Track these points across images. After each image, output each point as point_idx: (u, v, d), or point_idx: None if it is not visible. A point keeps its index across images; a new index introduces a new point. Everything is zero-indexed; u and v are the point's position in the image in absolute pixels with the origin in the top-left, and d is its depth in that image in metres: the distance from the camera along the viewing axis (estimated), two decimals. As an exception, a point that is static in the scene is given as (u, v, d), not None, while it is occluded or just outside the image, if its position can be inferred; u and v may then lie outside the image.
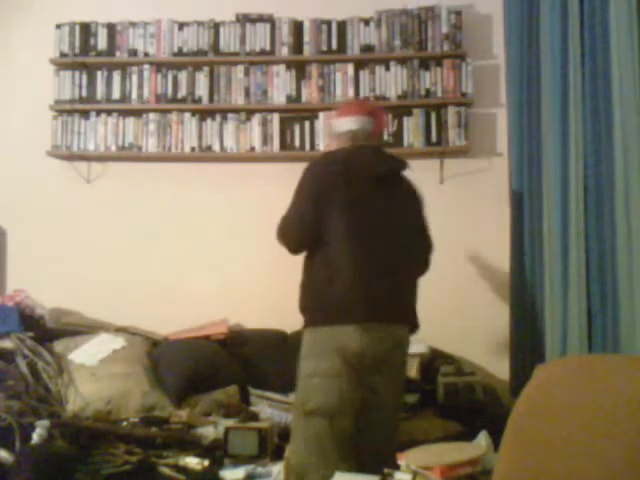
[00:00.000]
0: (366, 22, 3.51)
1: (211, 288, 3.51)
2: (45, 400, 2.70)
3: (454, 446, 1.95)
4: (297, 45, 3.54)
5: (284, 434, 2.47)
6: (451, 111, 3.43)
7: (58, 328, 3.28)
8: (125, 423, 2.64)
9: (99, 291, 3.56)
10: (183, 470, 2.28)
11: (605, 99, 2.60)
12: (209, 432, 2.54)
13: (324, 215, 2.24)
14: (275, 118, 3.52)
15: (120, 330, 3.31)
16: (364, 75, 3.51)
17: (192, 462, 2.31)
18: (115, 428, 2.51)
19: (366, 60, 3.51)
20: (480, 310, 3.38)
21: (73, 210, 3.70)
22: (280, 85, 3.54)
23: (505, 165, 3.30)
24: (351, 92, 3.49)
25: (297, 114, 3.52)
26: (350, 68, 3.50)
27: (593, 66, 2.66)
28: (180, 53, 3.60)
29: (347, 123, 2.43)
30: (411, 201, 2.44)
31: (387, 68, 3.49)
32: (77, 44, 3.61)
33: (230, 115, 3.54)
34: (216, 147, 3.54)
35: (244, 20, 3.57)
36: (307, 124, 3.51)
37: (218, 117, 3.54)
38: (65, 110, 3.60)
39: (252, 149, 3.53)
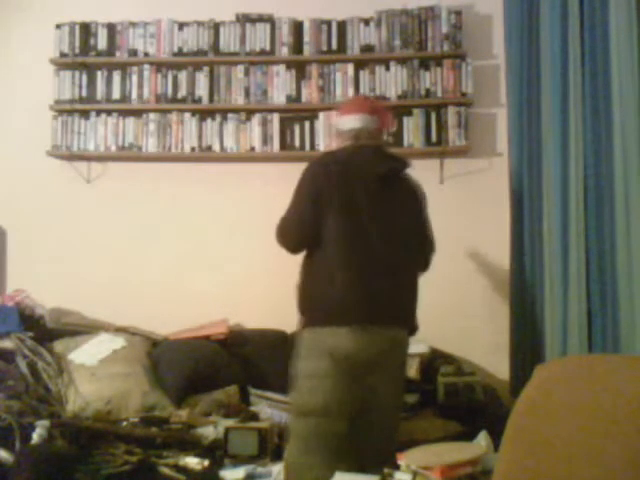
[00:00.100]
0: (366, 22, 3.51)
1: (211, 288, 3.51)
2: (45, 400, 2.70)
3: (454, 446, 1.95)
4: (297, 45, 3.54)
5: (284, 434, 2.47)
6: (451, 111, 3.43)
7: (58, 328, 3.28)
8: (125, 423, 2.64)
9: (99, 291, 3.56)
10: (183, 470, 2.27)
11: (605, 99, 2.60)
12: (209, 432, 2.54)
13: (323, 215, 2.23)
14: (275, 118, 3.52)
15: (120, 330, 3.31)
16: (364, 75, 3.51)
17: (192, 462, 2.31)
18: (115, 428, 2.51)
19: (366, 60, 3.51)
20: (480, 310, 3.38)
21: (73, 210, 3.70)
22: (280, 85, 3.54)
23: (505, 165, 3.30)
24: (351, 92, 3.49)
25: (297, 114, 3.52)
26: (350, 68, 3.51)
27: (593, 66, 2.66)
28: (180, 53, 3.60)
29: (350, 121, 2.42)
30: (412, 201, 2.42)
31: (387, 68, 3.49)
32: (77, 44, 3.61)
33: (230, 115, 3.54)
34: (216, 147, 3.54)
35: (244, 20, 3.57)
36: (307, 124, 3.51)
37: (218, 117, 3.54)
38: (65, 110, 3.60)
39: (252, 149, 3.53)
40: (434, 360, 3.12)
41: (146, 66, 3.59)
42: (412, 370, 2.93)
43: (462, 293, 3.40)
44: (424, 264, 2.46)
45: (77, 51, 3.61)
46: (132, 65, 3.60)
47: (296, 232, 2.32)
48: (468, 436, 2.14)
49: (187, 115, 3.55)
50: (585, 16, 2.70)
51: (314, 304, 2.26)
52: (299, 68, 3.53)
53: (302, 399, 2.22)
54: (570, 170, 2.76)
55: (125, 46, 3.61)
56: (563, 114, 2.79)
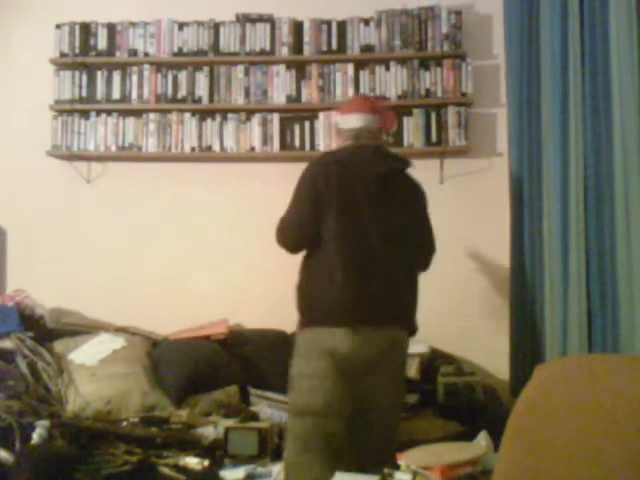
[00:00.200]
0: (366, 22, 3.51)
1: (211, 288, 3.51)
2: (45, 400, 2.70)
3: (454, 446, 1.95)
4: (297, 45, 3.54)
5: (284, 434, 2.47)
6: (451, 111, 3.43)
7: (58, 328, 3.28)
8: (125, 423, 2.64)
9: (99, 291, 3.56)
10: (183, 470, 2.27)
11: (605, 99, 2.60)
12: (209, 432, 2.54)
13: (323, 215, 2.23)
14: (275, 118, 3.52)
15: (120, 330, 3.31)
16: (364, 75, 3.51)
17: (192, 462, 2.31)
18: (115, 428, 2.51)
19: (366, 60, 3.51)
20: (480, 310, 3.38)
21: (73, 210, 3.70)
22: (280, 85, 3.54)
23: (505, 165, 3.30)
24: (351, 92, 3.49)
25: (297, 114, 3.52)
26: (350, 68, 3.51)
27: (593, 66, 2.66)
28: (180, 53, 3.60)
29: (350, 121, 2.41)
30: (412, 201, 2.41)
31: (387, 68, 3.49)
32: (77, 44, 3.61)
33: (230, 115, 3.54)
34: (216, 147, 3.54)
35: (244, 20, 3.57)
36: (307, 124, 3.51)
37: (218, 117, 3.54)
38: (65, 110, 3.60)
39: (252, 149, 3.53)
40: (434, 360, 3.12)
41: (146, 66, 3.59)
42: (412, 370, 2.93)
43: (462, 293, 3.40)
44: (424, 264, 2.45)
45: (77, 51, 3.61)
46: (132, 65, 3.60)
47: (296, 232, 2.32)
48: (468, 436, 2.14)
49: (187, 115, 3.55)
50: (585, 16, 2.70)
51: (313, 304, 2.25)
52: (299, 68, 3.53)
53: (302, 399, 2.21)
54: (570, 170, 2.76)
55: (125, 46, 3.61)
56: (563, 114, 2.80)
